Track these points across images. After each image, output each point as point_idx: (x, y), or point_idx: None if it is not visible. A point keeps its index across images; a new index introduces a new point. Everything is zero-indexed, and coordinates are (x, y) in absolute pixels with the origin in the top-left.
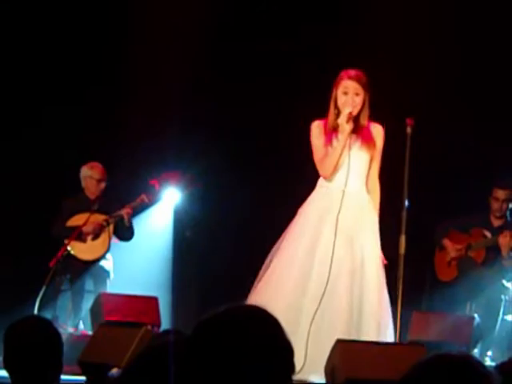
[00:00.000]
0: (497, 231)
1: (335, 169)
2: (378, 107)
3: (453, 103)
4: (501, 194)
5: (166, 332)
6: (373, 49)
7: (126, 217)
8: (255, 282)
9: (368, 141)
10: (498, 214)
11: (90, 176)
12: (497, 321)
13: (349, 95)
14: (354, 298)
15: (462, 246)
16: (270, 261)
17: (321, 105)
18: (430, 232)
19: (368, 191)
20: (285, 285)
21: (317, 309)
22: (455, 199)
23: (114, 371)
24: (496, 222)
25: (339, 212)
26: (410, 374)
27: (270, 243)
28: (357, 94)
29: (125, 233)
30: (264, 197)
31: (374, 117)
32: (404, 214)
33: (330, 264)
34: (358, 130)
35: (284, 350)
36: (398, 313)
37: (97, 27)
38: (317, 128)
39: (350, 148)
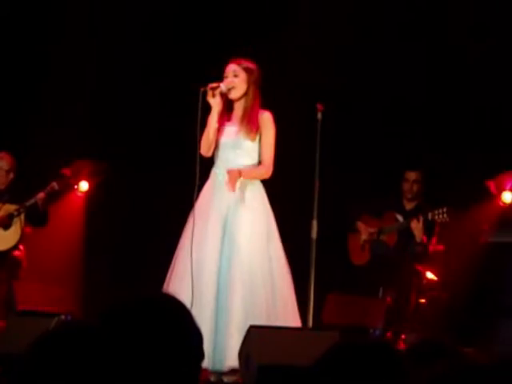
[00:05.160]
0: (409, 214)
1: (207, 147)
2: (289, 93)
3: (362, 86)
4: (411, 175)
5: (69, 321)
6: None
7: (39, 202)
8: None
9: (249, 127)
10: (409, 196)
11: None
12: (410, 304)
13: (228, 78)
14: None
15: (375, 230)
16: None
17: None
18: (342, 216)
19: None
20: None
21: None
22: (367, 184)
23: None
24: (408, 205)
25: (213, 203)
26: (321, 361)
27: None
28: (235, 76)
29: (38, 219)
30: (176, 185)
31: (284, 103)
32: (315, 199)
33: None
34: (243, 116)
35: (193, 336)
36: (310, 297)
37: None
38: None
39: (223, 133)
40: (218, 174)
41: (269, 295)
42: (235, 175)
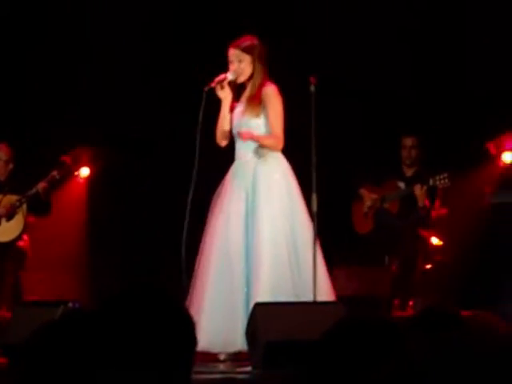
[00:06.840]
0: (410, 181)
1: (221, 137)
2: (282, 67)
3: (354, 58)
4: (408, 140)
5: (73, 309)
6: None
7: (41, 191)
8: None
9: (252, 104)
10: (408, 162)
11: None
12: (415, 270)
13: (234, 63)
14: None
15: (378, 196)
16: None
17: None
18: (343, 186)
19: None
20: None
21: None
22: (365, 153)
23: None
24: (408, 172)
25: (231, 186)
26: (326, 336)
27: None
28: (240, 61)
29: (41, 208)
30: (183, 172)
31: (277, 77)
32: (314, 172)
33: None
34: (250, 96)
35: (184, 323)
36: (315, 271)
37: None
38: None
39: (233, 116)
40: (236, 155)
41: (294, 270)
42: (247, 133)
